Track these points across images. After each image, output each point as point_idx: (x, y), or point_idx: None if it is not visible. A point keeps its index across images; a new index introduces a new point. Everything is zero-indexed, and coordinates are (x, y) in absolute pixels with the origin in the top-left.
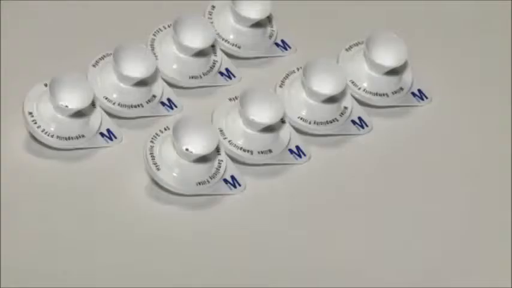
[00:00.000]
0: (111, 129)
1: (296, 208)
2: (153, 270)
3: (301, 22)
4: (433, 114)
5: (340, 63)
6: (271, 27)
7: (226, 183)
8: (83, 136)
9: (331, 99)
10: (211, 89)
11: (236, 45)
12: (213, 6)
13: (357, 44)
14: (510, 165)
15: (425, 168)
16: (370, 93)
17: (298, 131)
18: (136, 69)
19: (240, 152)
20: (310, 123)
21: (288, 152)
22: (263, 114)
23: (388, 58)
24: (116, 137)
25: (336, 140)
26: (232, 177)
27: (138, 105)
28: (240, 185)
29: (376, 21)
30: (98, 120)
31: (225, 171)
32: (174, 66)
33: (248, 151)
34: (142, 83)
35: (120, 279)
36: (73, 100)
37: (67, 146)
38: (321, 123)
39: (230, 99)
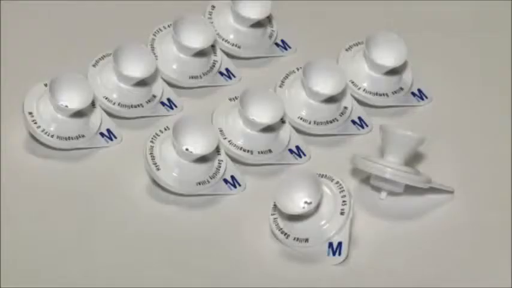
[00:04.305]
0: (111, 129)
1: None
2: (153, 270)
3: (301, 22)
4: (433, 114)
5: (340, 63)
6: (271, 27)
7: (226, 183)
8: (83, 136)
9: (331, 99)
10: (211, 89)
11: (236, 45)
12: (213, 6)
13: (357, 44)
14: (510, 165)
15: (424, 168)
16: (370, 93)
17: (298, 131)
18: (136, 69)
19: (240, 152)
20: (310, 123)
21: (288, 152)
22: (263, 114)
23: (388, 58)
24: (116, 137)
25: (336, 140)
26: (232, 177)
27: (138, 105)
28: (240, 185)
29: (376, 21)
30: (97, 120)
31: (225, 171)
32: (174, 66)
33: (248, 151)
34: (142, 83)
35: (120, 279)
36: (73, 100)
37: (67, 146)
38: (321, 123)
39: (230, 99)
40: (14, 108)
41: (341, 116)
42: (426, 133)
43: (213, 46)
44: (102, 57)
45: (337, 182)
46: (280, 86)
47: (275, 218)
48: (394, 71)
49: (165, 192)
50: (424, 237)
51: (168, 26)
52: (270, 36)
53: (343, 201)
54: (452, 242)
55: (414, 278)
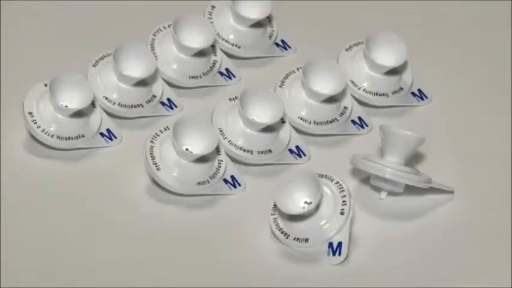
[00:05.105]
0: (111, 129)
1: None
2: (153, 270)
3: (301, 22)
4: (433, 114)
5: (340, 63)
6: (271, 27)
7: (226, 183)
8: (83, 136)
9: (331, 99)
10: (211, 89)
11: (236, 45)
12: (213, 6)
13: (357, 44)
14: (510, 165)
15: (424, 168)
16: (370, 93)
17: (298, 131)
18: (136, 69)
19: (240, 152)
20: (310, 123)
21: (288, 152)
22: (263, 114)
23: (388, 58)
24: (115, 137)
25: (336, 140)
26: (232, 177)
27: (138, 105)
28: (240, 185)
29: (376, 21)
30: (98, 120)
31: (225, 171)
32: (174, 66)
33: (248, 151)
34: (142, 83)
35: (120, 279)
36: (73, 100)
37: (67, 146)
38: (321, 123)
39: (230, 99)
40: (14, 108)
41: (341, 116)
42: (426, 133)
43: (213, 46)
44: (102, 57)
45: (337, 182)
46: (280, 86)
47: (275, 218)
48: (394, 71)
49: (165, 192)
50: (424, 237)
51: (168, 26)
52: (270, 36)
53: (343, 201)
54: (452, 242)
55: (414, 278)
